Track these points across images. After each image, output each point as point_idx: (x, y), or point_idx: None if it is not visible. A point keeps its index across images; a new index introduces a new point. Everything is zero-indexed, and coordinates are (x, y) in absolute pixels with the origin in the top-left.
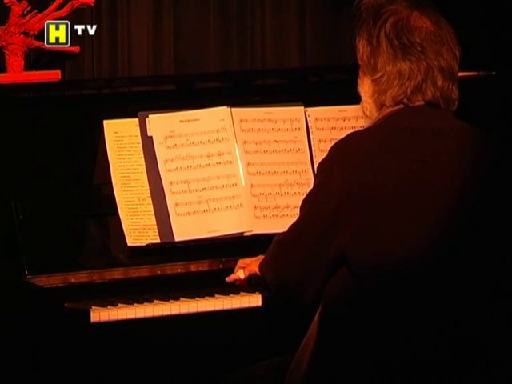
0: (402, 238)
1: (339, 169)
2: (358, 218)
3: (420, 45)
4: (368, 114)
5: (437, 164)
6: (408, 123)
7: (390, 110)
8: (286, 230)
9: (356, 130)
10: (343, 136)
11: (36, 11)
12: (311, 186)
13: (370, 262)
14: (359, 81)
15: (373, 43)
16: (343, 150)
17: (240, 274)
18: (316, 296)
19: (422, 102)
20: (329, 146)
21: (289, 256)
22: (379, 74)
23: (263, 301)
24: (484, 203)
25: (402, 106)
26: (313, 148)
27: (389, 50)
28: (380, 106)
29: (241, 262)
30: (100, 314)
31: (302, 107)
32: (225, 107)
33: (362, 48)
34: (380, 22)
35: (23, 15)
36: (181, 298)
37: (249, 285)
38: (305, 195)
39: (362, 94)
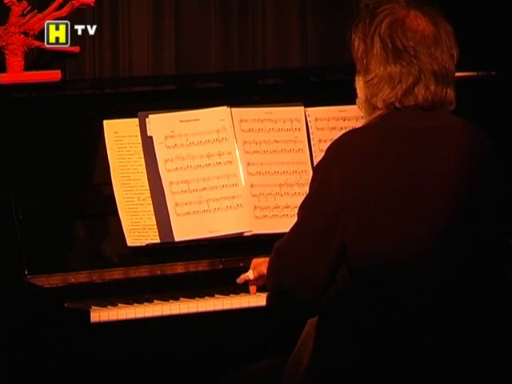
0: (401, 238)
1: (338, 170)
2: (357, 219)
3: (413, 49)
4: (363, 111)
5: (435, 162)
6: (404, 122)
7: (382, 112)
8: (286, 231)
9: (351, 129)
10: (339, 136)
11: (36, 11)
12: None
13: (369, 262)
14: (356, 77)
15: (367, 43)
16: (341, 151)
17: (250, 274)
18: (317, 302)
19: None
20: None
21: (289, 262)
22: (370, 77)
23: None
24: (482, 201)
25: (393, 109)
26: (313, 148)
27: (381, 53)
28: (373, 108)
29: (254, 262)
30: (100, 314)
31: (302, 107)
32: (225, 107)
33: (357, 46)
34: (376, 21)
35: (23, 15)
36: (181, 298)
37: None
38: (304, 195)
39: (358, 91)
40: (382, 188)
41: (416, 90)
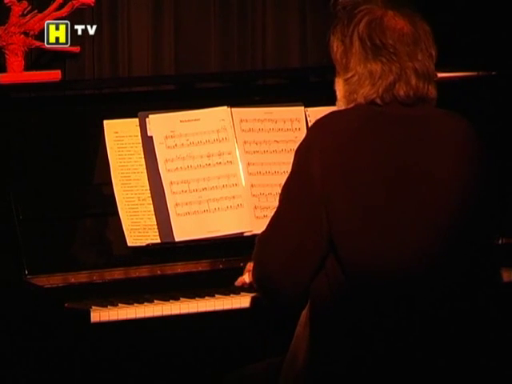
0: (386, 226)
1: (319, 151)
2: (340, 203)
3: (392, 46)
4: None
5: (419, 151)
6: (386, 110)
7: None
8: None
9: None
10: (321, 116)
11: (36, 11)
12: None
13: (359, 256)
14: (335, 80)
15: (346, 43)
16: (322, 131)
17: (246, 277)
18: (302, 294)
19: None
20: None
21: (271, 249)
22: (350, 74)
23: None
24: (472, 188)
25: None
26: None
27: (361, 51)
28: (352, 104)
29: (249, 265)
30: (100, 314)
31: (302, 107)
32: (225, 107)
33: (336, 48)
34: (354, 21)
35: (23, 15)
36: (181, 298)
37: None
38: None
39: (337, 93)
40: (363, 176)
41: (397, 85)
